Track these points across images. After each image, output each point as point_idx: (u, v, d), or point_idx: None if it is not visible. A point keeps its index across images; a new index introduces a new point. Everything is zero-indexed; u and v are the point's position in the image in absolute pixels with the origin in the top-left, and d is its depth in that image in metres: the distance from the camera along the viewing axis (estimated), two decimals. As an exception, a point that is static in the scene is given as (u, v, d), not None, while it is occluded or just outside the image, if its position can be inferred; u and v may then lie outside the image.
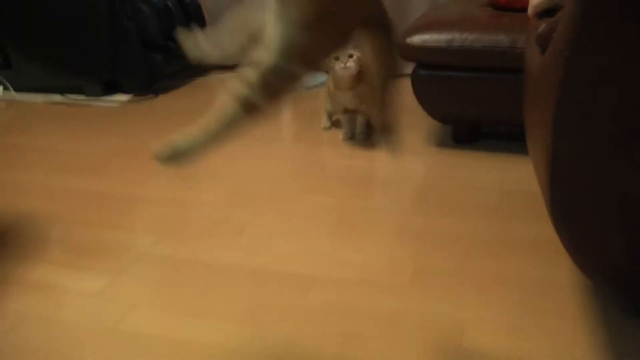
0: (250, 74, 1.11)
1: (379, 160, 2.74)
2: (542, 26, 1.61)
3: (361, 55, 2.79)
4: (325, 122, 3.10)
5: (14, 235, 2.11)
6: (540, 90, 1.48)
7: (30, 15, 3.60)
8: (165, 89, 3.84)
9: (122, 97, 3.66)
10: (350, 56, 2.76)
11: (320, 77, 3.96)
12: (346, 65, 2.76)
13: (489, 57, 2.59)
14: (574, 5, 1.28)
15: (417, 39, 2.69)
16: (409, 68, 2.88)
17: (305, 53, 1.12)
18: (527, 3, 2.07)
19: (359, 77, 2.80)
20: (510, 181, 2.48)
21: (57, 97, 3.69)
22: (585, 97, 1.29)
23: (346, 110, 2.92)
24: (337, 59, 2.76)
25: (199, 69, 4.25)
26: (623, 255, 1.40)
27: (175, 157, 1.17)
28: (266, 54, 1.10)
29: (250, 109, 1.12)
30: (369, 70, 2.90)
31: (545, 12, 1.75)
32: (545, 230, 2.05)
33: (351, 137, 2.96)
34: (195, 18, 4.06)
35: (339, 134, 2.99)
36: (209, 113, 1.16)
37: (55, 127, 3.23)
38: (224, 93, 1.15)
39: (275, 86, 1.12)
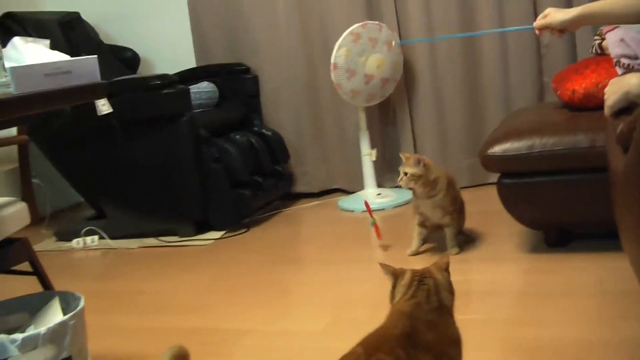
0: None
1: (474, 271, 2.73)
2: (621, 125, 1.63)
3: (428, 162, 2.87)
4: (415, 244, 3.04)
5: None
6: (628, 190, 1.48)
7: (121, 167, 3.80)
8: (255, 222, 3.94)
9: (215, 235, 3.76)
10: (405, 174, 2.84)
11: (405, 195, 3.99)
12: (400, 181, 2.86)
13: (570, 160, 2.60)
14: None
15: (498, 149, 2.72)
16: (494, 176, 2.91)
17: None
18: (602, 101, 2.10)
19: (431, 185, 2.86)
20: (609, 281, 2.43)
21: (151, 241, 3.82)
22: (674, 193, 1.29)
23: (423, 224, 2.97)
24: (400, 179, 2.86)
25: (287, 201, 4.35)
26: None
27: None
28: None
29: None
30: (448, 178, 2.94)
31: (622, 110, 1.77)
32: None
33: (416, 254, 2.99)
34: (279, 152, 4.21)
35: (429, 252, 3.00)
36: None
37: (151, 270, 3.35)
38: None
39: None
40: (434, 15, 3.99)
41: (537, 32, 2.26)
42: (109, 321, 2.70)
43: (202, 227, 3.84)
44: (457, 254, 2.93)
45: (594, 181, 2.58)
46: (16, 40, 2.09)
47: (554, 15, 2.19)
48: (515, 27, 2.38)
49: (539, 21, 2.24)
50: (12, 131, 2.61)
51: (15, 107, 1.78)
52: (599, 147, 2.50)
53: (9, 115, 1.81)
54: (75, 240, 3.92)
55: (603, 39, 2.95)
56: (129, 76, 4.18)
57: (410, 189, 2.91)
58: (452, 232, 2.96)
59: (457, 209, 2.99)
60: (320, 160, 4.39)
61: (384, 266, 1.64)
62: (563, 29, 2.18)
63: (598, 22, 2.29)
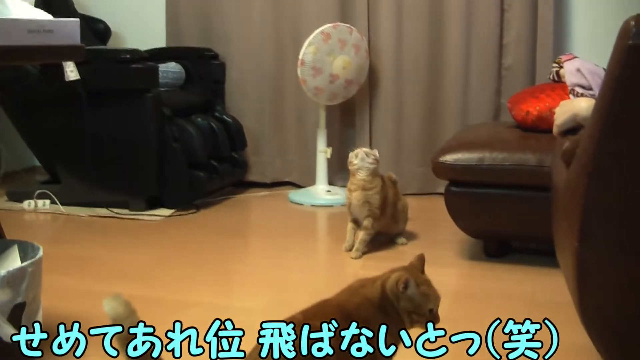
0: None
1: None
2: (566, 143, 1.76)
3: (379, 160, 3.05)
4: (348, 239, 3.15)
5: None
6: (567, 201, 1.61)
7: (82, 135, 3.84)
8: (206, 205, 4.01)
9: (165, 212, 3.82)
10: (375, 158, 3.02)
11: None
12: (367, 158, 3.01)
13: (517, 176, 2.74)
14: (595, 126, 1.43)
15: (449, 157, 2.85)
16: (442, 186, 3.04)
17: None
18: (552, 125, 2.23)
19: (372, 178, 3.02)
20: (541, 292, 2.57)
21: (102, 211, 3.86)
22: (607, 204, 1.42)
23: (355, 221, 3.11)
24: (357, 155, 3.01)
25: (239, 187, 4.43)
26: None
27: None
28: None
29: None
30: (385, 181, 3.10)
31: (569, 131, 1.90)
32: (579, 337, 2.11)
33: (350, 250, 3.09)
34: (237, 139, 4.29)
35: (377, 248, 3.12)
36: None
37: (100, 239, 3.40)
38: None
39: None
40: (404, 25, 4.12)
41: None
42: (57, 282, 2.74)
43: (154, 203, 3.89)
44: (357, 258, 3.01)
45: (538, 199, 2.72)
46: (3, -7, 2.14)
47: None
48: None
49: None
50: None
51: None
52: (546, 167, 2.65)
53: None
54: (26, 202, 3.94)
55: (561, 67, 3.10)
56: (101, 46, 4.22)
57: (361, 170, 3.02)
58: (364, 238, 3.05)
59: (388, 214, 3.13)
60: (277, 152, 4.49)
61: None
62: None
63: None
